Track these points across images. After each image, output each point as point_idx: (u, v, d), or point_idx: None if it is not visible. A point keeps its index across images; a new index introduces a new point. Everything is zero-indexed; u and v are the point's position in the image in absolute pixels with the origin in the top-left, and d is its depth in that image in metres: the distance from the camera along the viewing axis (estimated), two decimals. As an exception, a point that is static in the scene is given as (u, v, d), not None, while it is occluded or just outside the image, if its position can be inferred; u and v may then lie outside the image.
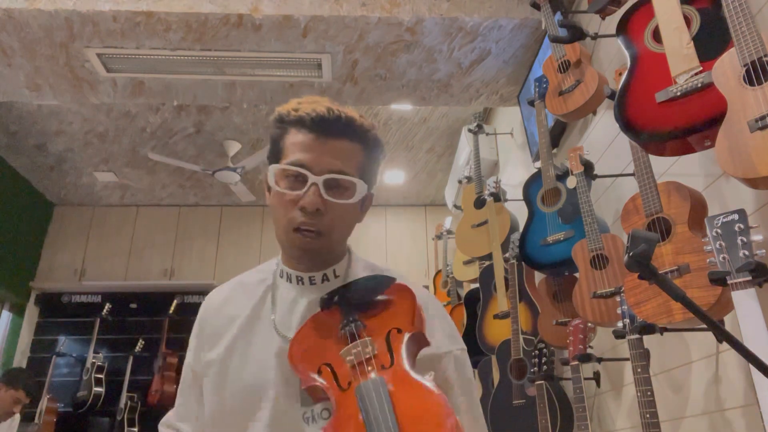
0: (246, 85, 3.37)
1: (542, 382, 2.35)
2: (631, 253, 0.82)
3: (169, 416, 1.09)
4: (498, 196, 3.22)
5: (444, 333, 1.02)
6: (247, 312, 1.01)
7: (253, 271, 1.10)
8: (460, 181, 4.35)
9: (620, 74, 1.78)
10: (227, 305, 1.05)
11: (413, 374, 0.85)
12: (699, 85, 1.44)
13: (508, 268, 2.89)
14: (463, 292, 4.20)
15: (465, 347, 1.05)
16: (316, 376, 0.89)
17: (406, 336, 0.90)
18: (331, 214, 0.94)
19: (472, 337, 3.25)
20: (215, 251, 5.76)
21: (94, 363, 5.14)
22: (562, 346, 2.33)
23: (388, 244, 5.83)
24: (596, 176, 2.23)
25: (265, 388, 0.93)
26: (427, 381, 0.84)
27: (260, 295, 1.03)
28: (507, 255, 2.93)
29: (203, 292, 5.56)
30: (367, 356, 0.87)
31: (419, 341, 0.92)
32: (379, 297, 0.97)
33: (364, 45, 3.05)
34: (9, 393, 3.58)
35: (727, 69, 1.34)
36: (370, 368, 0.87)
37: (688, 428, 1.80)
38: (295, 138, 0.95)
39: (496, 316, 3.09)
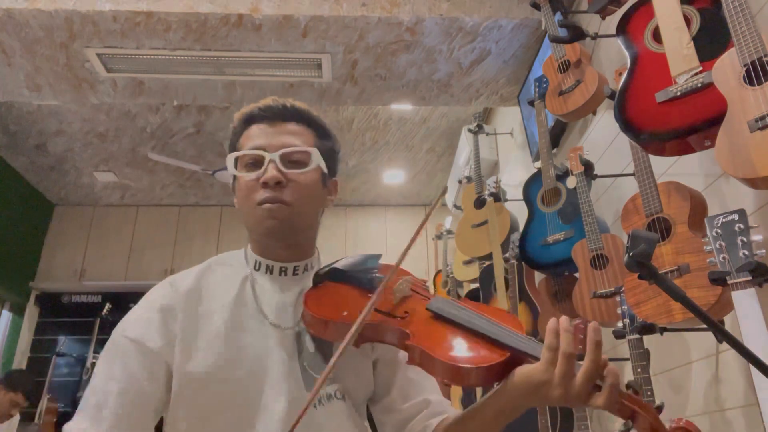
0: (246, 85, 3.37)
1: (542, 382, 2.34)
2: (631, 253, 0.82)
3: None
4: (498, 196, 3.21)
5: None
6: (227, 314, 0.95)
7: (214, 263, 1.05)
8: (460, 181, 4.34)
9: (620, 74, 1.78)
10: (199, 302, 0.97)
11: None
12: (699, 85, 1.44)
13: (508, 268, 2.88)
14: (463, 292, 4.20)
15: None
16: (364, 315, 0.82)
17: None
18: (292, 185, 0.96)
19: (472, 337, 3.24)
20: (215, 251, 5.69)
21: (94, 363, 5.13)
22: (562, 346, 2.32)
23: (388, 243, 5.83)
24: (596, 176, 2.23)
25: (265, 381, 0.91)
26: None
27: (236, 293, 0.98)
28: (507, 255, 2.93)
29: (203, 292, 5.56)
30: (414, 287, 0.93)
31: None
32: (372, 267, 1.01)
33: (364, 45, 3.05)
34: (8, 396, 3.57)
35: (727, 69, 1.34)
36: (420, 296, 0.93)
37: (688, 428, 1.80)
38: (248, 132, 1.01)
39: (496, 316, 3.08)
